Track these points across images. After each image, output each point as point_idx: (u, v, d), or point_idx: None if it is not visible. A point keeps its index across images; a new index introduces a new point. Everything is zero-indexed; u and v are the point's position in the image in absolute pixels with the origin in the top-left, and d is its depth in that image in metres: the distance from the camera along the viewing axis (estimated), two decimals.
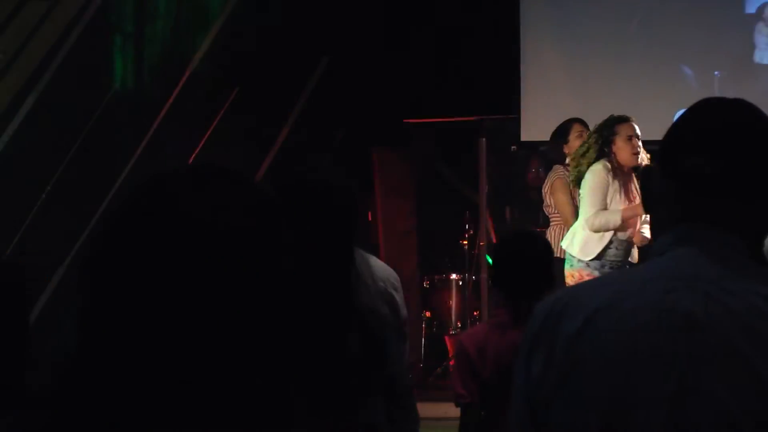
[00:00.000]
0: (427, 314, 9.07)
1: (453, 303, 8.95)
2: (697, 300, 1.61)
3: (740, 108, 1.77)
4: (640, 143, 6.12)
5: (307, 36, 8.74)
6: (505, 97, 8.86)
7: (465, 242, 9.09)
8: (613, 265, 6.18)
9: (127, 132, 7.73)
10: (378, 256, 3.63)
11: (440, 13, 9.26)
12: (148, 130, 7.81)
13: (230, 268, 1.07)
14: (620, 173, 6.17)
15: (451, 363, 8.85)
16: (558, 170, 7.15)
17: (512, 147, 9.10)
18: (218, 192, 1.11)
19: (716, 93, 8.52)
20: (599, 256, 6.17)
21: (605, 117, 6.37)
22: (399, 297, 3.45)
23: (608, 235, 6.16)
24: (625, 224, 6.14)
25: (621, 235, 6.19)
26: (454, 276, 8.94)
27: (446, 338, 9.03)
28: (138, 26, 7.92)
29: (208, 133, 8.30)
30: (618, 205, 6.15)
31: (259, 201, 1.13)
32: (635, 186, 6.19)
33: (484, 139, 9.04)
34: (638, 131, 6.17)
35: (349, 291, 2.88)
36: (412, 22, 9.30)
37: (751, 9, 8.75)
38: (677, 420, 1.56)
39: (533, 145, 8.81)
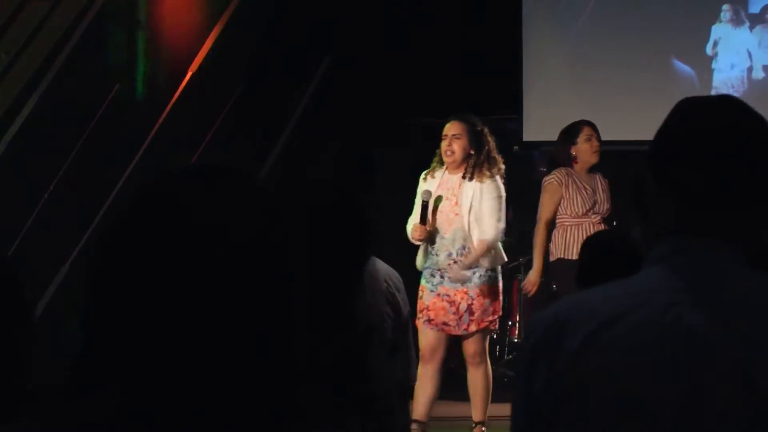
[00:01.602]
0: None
1: None
2: (698, 313, 1.56)
3: (728, 109, 1.68)
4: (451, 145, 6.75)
5: (309, 36, 8.74)
6: (506, 97, 8.86)
7: None
8: (433, 271, 6.65)
9: (130, 132, 7.73)
10: (379, 256, 3.62)
11: (441, 13, 9.26)
12: (150, 131, 7.81)
13: (237, 270, 1.08)
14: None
15: (451, 366, 8.84)
16: (557, 173, 6.94)
17: (514, 147, 9.08)
18: (225, 192, 1.12)
19: (718, 92, 8.53)
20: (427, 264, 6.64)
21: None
22: (401, 297, 3.46)
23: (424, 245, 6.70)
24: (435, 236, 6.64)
25: (434, 246, 6.69)
26: None
27: None
28: (140, 26, 7.93)
29: (211, 132, 8.30)
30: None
31: (265, 202, 1.13)
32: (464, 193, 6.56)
33: None
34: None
35: (345, 306, 2.81)
36: (412, 21, 9.30)
37: (754, 9, 8.76)
38: None
39: (535, 145, 8.81)
